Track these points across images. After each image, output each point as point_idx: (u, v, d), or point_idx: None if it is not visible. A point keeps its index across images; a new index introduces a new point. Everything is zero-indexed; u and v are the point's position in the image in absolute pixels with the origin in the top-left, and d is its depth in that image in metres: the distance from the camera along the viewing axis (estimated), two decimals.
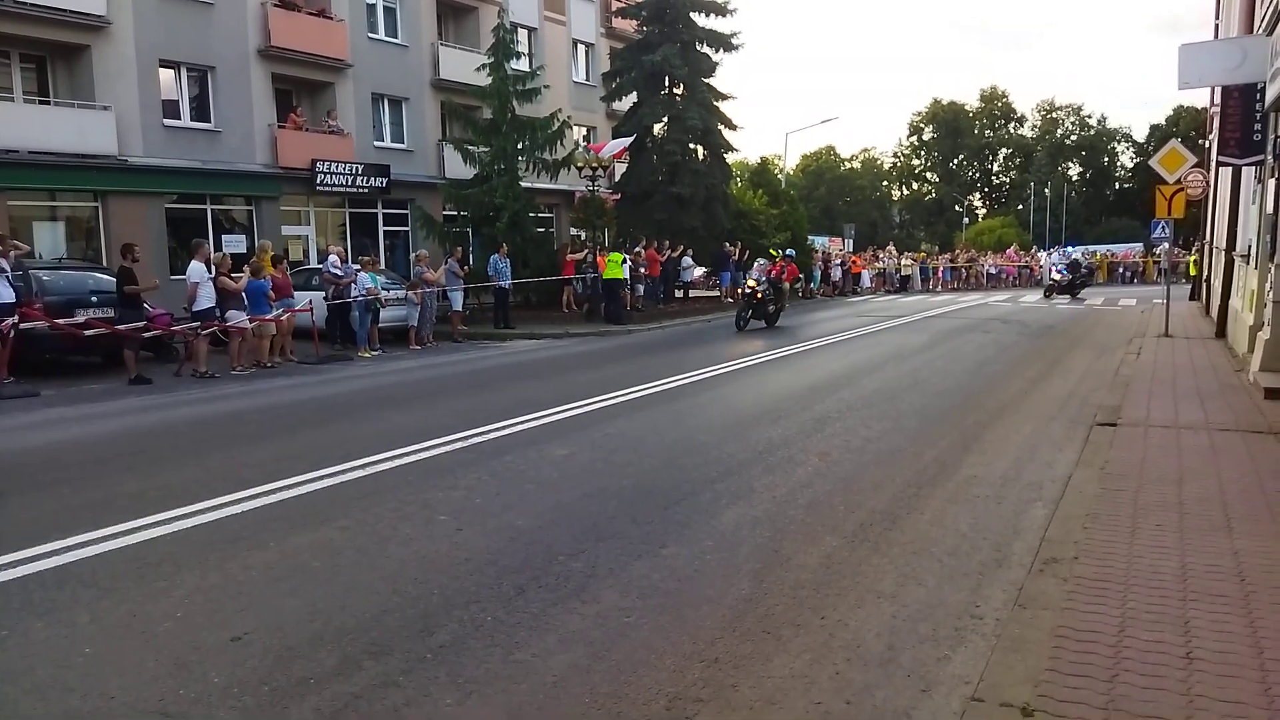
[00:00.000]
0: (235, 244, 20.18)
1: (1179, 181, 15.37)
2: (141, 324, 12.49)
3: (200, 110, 20.99)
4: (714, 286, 28.64)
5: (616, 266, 19.86)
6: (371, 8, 24.79)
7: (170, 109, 20.22)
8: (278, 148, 22.08)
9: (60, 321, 12.11)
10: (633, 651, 3.59)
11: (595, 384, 10.77)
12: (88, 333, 12.11)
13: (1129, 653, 3.31)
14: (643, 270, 23.11)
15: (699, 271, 28.03)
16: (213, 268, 13.18)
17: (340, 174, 23.32)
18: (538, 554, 4.73)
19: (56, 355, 12.74)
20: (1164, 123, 71.98)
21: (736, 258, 26.79)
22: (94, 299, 13.07)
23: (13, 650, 3.67)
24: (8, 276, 11.46)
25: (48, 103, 18.77)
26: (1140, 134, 78.37)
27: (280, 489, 6.03)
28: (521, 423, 8.33)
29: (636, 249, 23.02)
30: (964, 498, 5.78)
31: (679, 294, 26.63)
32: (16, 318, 11.52)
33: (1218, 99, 14.58)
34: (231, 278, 13.40)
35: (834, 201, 79.52)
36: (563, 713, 3.16)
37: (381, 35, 25.14)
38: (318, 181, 22.79)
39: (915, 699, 3.22)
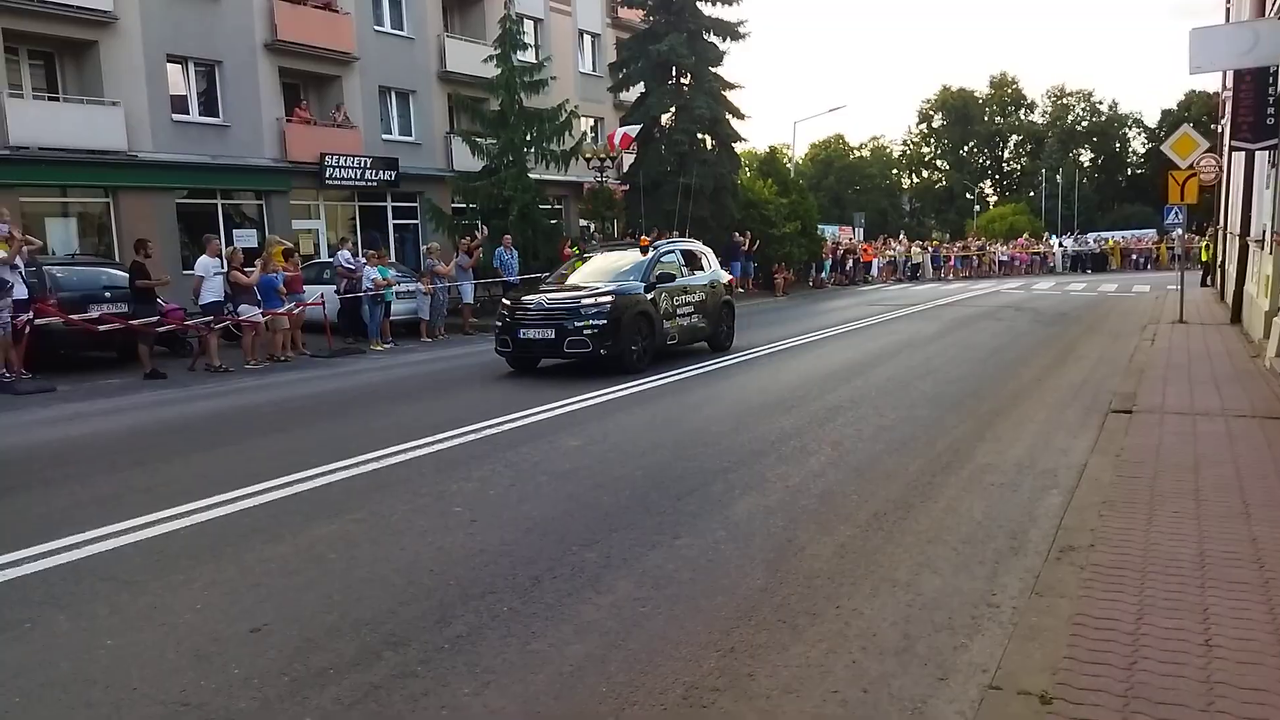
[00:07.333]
0: (246, 238, 20.30)
1: (1192, 167, 15.25)
2: (155, 319, 12.56)
3: (208, 105, 21.04)
4: None
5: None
6: (377, 0, 24.76)
7: (179, 104, 20.28)
8: (286, 142, 22.12)
9: (75, 317, 12.21)
10: (648, 641, 3.60)
11: (607, 375, 10.77)
12: (102, 328, 12.20)
13: (1148, 640, 3.29)
14: None
15: None
16: (224, 262, 13.24)
17: (349, 167, 23.34)
18: (552, 545, 4.74)
19: (71, 351, 12.81)
20: (1175, 107, 71.31)
21: (747, 248, 26.77)
22: (108, 294, 13.14)
23: (35, 642, 3.71)
24: (21, 273, 11.54)
25: (57, 99, 18.83)
26: (1152, 119, 77.85)
27: (295, 482, 6.06)
28: (534, 414, 8.34)
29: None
30: (978, 486, 5.75)
31: None
32: (32, 313, 11.61)
33: (1229, 83, 14.43)
34: (244, 272, 13.45)
35: (843, 190, 79.07)
36: (579, 702, 3.16)
37: (387, 28, 25.10)
38: (326, 175, 22.82)
39: (932, 687, 3.21)
